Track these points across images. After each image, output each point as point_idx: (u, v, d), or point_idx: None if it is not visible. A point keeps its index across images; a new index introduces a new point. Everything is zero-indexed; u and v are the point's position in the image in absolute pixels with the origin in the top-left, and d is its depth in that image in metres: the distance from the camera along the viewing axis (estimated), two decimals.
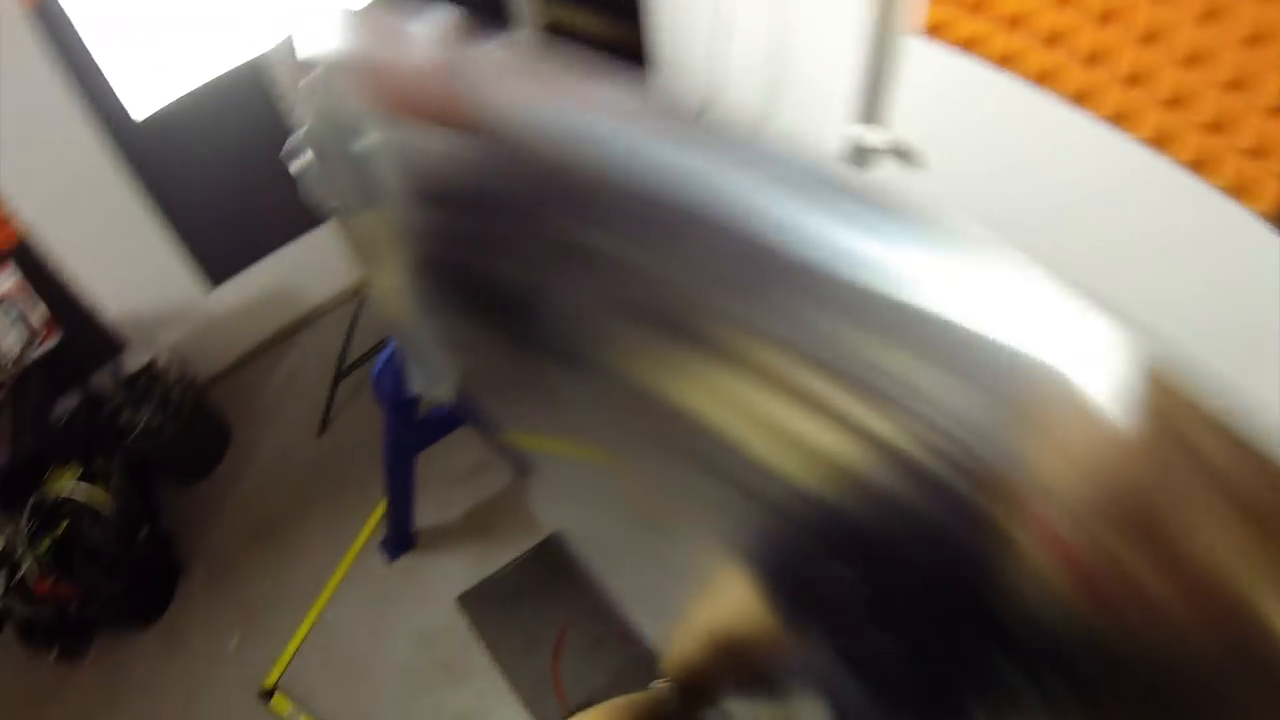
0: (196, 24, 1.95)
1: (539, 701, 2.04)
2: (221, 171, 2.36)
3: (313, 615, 2.20)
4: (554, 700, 2.05)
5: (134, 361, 2.49)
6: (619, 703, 0.78)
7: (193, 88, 2.04)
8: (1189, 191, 1.12)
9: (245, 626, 2.22)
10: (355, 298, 2.64)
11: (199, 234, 2.46)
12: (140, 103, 2.01)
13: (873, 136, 1.60)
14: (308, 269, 2.72)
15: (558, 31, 2.47)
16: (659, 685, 0.80)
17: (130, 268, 2.41)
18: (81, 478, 2.18)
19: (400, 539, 2.30)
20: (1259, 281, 1.10)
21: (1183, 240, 1.21)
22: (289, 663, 2.13)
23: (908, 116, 1.56)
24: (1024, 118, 1.32)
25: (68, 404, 2.35)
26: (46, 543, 2.04)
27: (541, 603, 2.17)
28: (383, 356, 1.73)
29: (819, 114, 1.68)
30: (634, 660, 1.90)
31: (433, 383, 1.27)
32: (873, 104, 1.55)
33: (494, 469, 2.36)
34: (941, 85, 1.46)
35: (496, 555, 2.26)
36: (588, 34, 2.42)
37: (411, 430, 2.01)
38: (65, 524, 2.08)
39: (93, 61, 1.94)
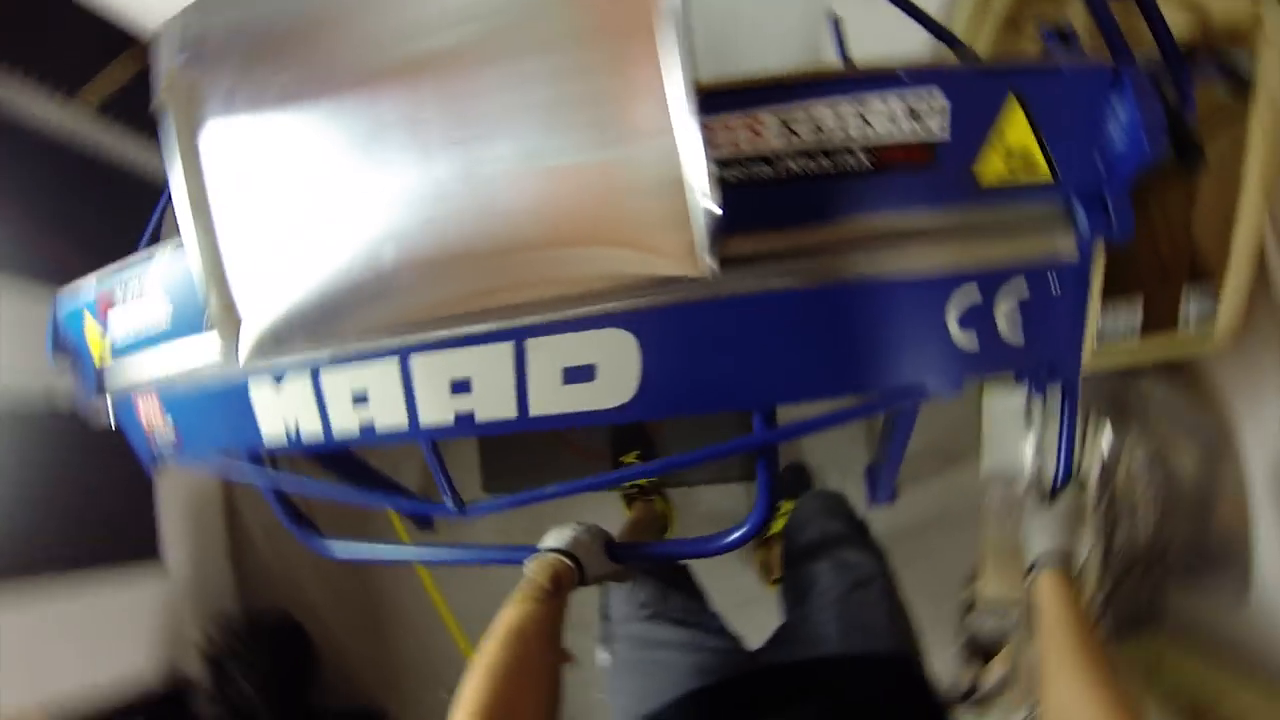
0: None
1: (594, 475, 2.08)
2: (57, 502, 2.17)
3: (449, 620, 2.36)
4: (599, 465, 2.18)
5: (195, 669, 2.45)
6: None
7: None
8: None
9: (437, 679, 2.33)
10: None
11: (107, 549, 2.30)
12: None
13: None
14: (180, 473, 2.55)
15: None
16: None
17: (113, 633, 2.30)
18: None
19: (418, 510, 2.26)
20: None
21: None
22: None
23: None
24: None
25: None
26: None
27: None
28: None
29: None
30: None
31: None
32: None
33: None
34: None
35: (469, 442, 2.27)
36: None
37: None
38: None
39: None
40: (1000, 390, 1.62)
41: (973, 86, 0.78)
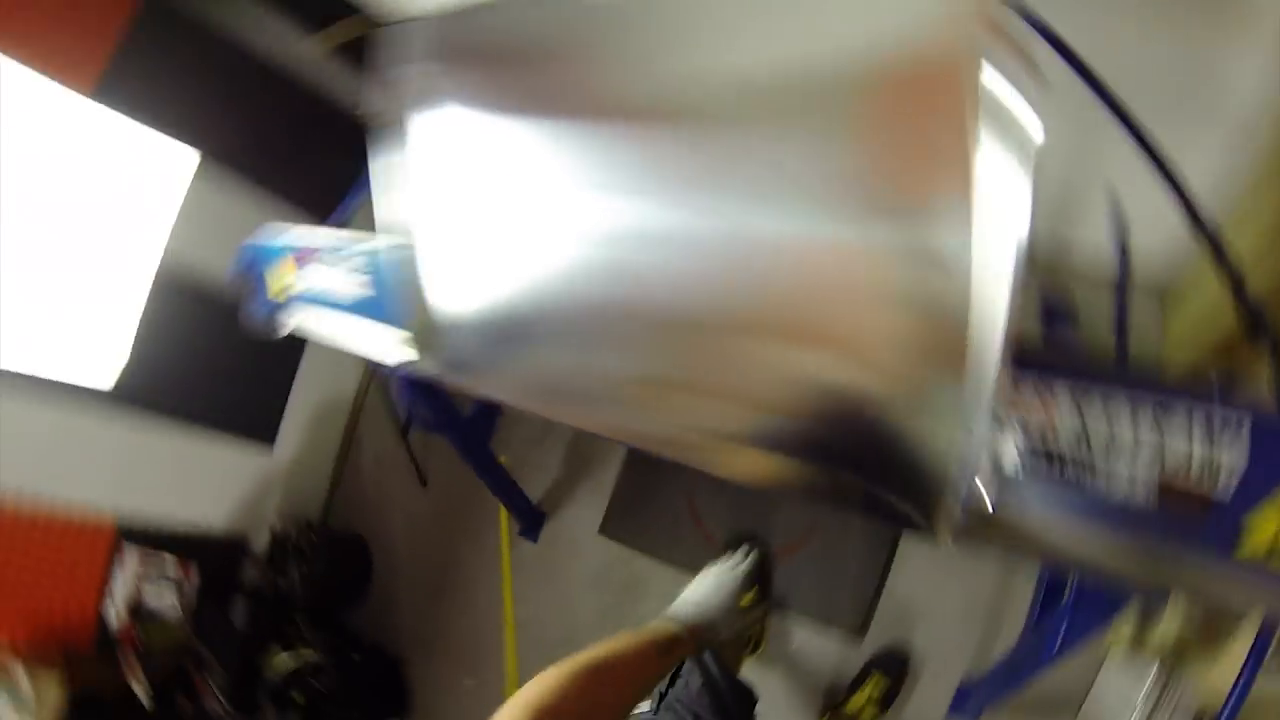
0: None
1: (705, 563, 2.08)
2: (204, 365, 2.54)
3: (510, 624, 2.36)
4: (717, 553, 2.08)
5: (260, 542, 2.75)
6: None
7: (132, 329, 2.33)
8: None
9: (469, 666, 2.43)
10: (372, 372, 2.84)
11: (228, 418, 2.65)
12: (101, 376, 2.28)
13: None
14: (322, 381, 2.87)
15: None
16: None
17: (202, 483, 2.64)
18: (285, 650, 2.45)
19: (530, 519, 2.41)
20: None
21: None
22: (516, 672, 2.29)
23: None
24: None
25: (239, 611, 2.64)
26: (295, 717, 2.33)
27: (659, 490, 2.25)
28: (402, 388, 1.76)
29: None
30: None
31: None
32: None
33: None
34: None
35: (604, 478, 2.34)
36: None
37: (466, 426, 2.15)
38: (298, 693, 2.36)
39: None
40: (1127, 670, 1.58)
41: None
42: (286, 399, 2.79)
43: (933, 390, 0.63)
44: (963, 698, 1.79)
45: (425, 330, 0.92)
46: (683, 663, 1.28)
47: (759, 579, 1.20)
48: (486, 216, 0.88)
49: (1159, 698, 1.50)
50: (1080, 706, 1.66)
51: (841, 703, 1.86)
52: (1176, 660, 1.44)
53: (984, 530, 0.76)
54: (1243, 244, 0.87)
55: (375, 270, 1.18)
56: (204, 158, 2.44)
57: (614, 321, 0.79)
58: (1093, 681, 1.66)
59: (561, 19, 0.79)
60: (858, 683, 1.87)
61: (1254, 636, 0.94)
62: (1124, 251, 1.45)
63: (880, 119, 0.61)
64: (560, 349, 0.86)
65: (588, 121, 0.77)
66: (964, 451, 0.64)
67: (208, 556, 2.60)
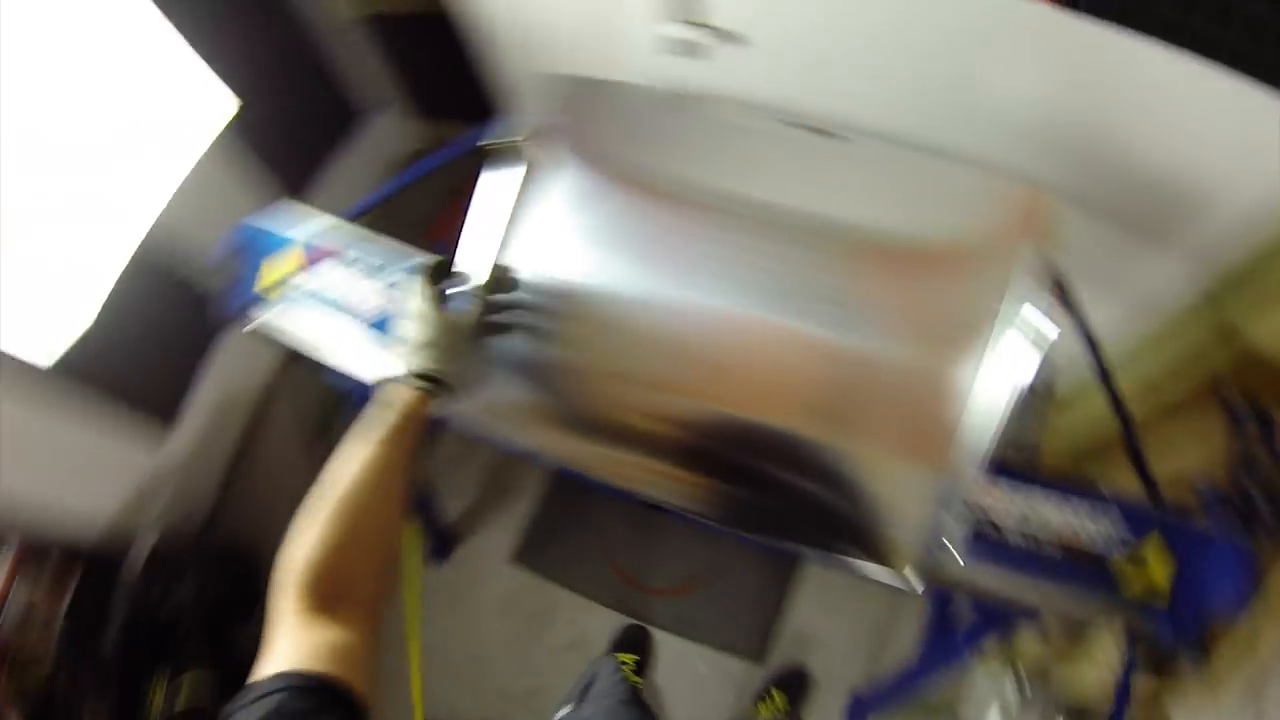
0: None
1: (618, 596, 2.24)
2: (150, 352, 2.32)
3: (415, 649, 2.33)
4: (625, 587, 2.25)
5: (139, 555, 2.51)
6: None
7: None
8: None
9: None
10: (284, 375, 2.68)
11: (136, 398, 2.35)
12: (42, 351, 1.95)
13: (684, 30, 1.45)
14: (229, 376, 2.67)
15: (376, 19, 2.40)
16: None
17: (86, 476, 2.32)
18: (171, 680, 2.29)
19: (442, 542, 2.40)
20: None
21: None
22: (421, 697, 2.27)
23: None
24: None
25: (115, 631, 2.41)
26: None
27: (578, 523, 2.33)
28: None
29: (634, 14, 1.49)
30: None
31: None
32: None
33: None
34: None
35: (520, 507, 2.39)
36: (404, 12, 2.34)
37: None
38: None
39: None
40: (998, 676, 1.82)
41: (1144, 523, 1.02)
42: (190, 384, 2.54)
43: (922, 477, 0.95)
44: (857, 708, 1.98)
45: (456, 364, 0.96)
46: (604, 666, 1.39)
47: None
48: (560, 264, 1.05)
49: (1024, 698, 1.76)
50: (956, 708, 1.91)
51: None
52: (1040, 666, 1.73)
53: (943, 577, 1.00)
54: (1124, 381, 1.19)
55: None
56: (241, 112, 2.21)
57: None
58: (970, 685, 1.90)
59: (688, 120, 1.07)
60: (760, 698, 2.01)
61: (1124, 645, 1.21)
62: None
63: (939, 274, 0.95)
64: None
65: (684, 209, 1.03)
66: (939, 523, 0.95)
67: (84, 565, 2.36)
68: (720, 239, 1.01)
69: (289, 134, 2.45)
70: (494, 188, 1.11)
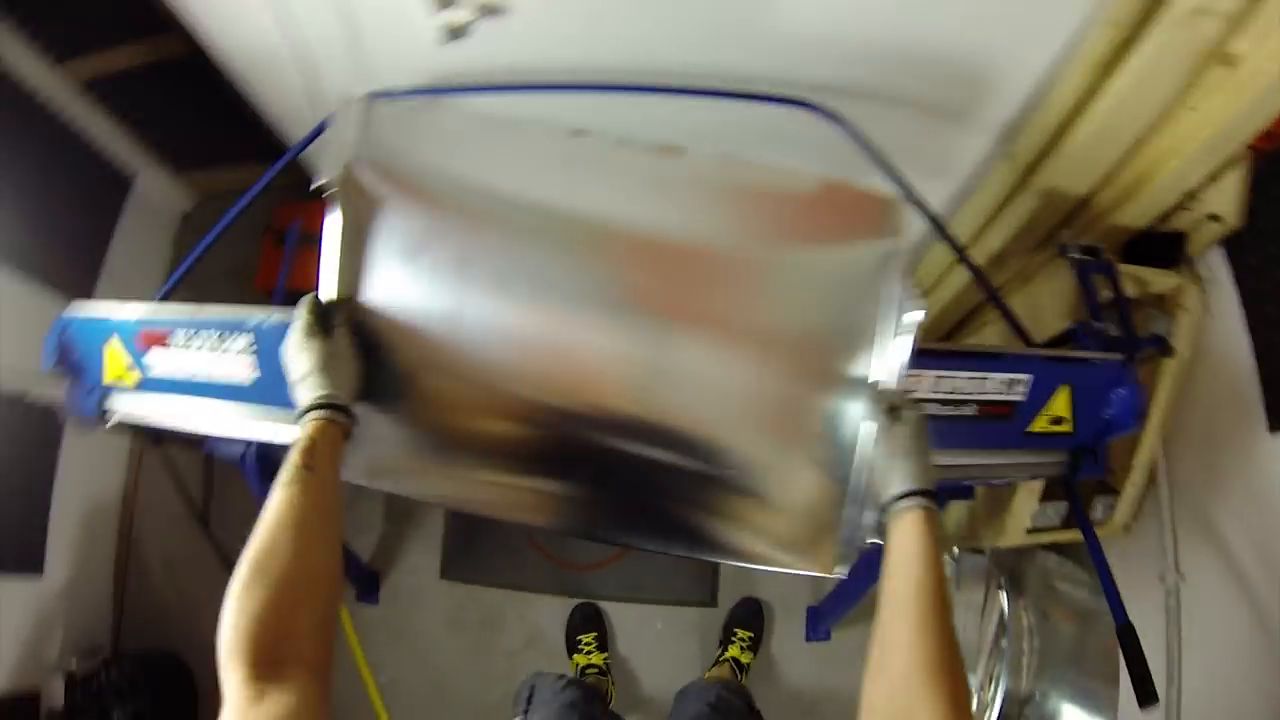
0: None
1: (557, 581, 2.27)
2: None
3: (375, 693, 2.25)
4: (559, 570, 2.29)
5: (55, 694, 2.25)
6: None
7: None
8: None
9: None
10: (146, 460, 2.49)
11: None
12: None
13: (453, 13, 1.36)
14: (84, 485, 2.41)
15: (104, 81, 2.06)
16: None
17: None
18: None
19: (365, 583, 2.29)
20: None
21: None
22: None
23: None
24: None
25: None
26: None
27: (488, 523, 2.29)
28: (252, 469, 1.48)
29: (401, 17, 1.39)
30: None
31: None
32: None
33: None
34: None
35: (431, 525, 2.34)
36: (138, 66, 2.03)
37: None
38: None
39: None
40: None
41: (1048, 373, 1.13)
42: (48, 515, 2.26)
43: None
44: (814, 621, 2.09)
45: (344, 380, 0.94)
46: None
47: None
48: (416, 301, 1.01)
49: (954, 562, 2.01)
50: None
51: (715, 662, 2.06)
52: (969, 536, 1.89)
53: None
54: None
55: (262, 348, 1.09)
56: None
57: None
58: None
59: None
60: (725, 641, 2.08)
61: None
62: None
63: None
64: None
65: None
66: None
67: None
68: (530, 249, 1.02)
69: (56, 238, 2.11)
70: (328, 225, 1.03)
